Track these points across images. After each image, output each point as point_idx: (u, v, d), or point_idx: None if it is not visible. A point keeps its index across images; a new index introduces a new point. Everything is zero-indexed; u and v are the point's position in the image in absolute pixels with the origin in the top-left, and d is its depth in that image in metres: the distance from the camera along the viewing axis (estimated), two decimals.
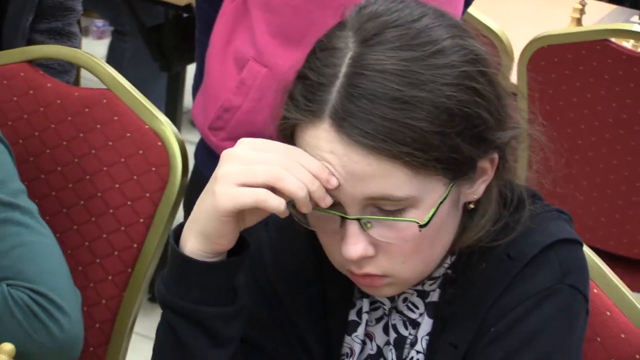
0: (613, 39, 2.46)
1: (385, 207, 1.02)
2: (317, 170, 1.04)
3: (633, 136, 2.53)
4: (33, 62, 1.86)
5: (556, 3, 3.37)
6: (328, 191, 1.03)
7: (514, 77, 2.50)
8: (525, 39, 2.55)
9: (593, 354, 1.31)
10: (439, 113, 1.05)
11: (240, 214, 1.06)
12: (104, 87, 1.78)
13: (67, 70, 2.18)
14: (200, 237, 1.13)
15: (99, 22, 4.00)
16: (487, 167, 1.08)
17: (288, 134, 1.09)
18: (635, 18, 3.05)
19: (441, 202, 1.04)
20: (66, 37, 2.37)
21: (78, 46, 2.39)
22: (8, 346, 1.17)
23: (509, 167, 1.14)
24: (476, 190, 1.09)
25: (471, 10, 2.43)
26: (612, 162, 2.51)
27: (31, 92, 1.83)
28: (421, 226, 1.01)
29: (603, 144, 2.58)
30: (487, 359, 1.14)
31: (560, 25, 2.86)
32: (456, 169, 1.06)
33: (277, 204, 1.03)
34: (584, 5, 2.89)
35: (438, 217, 1.04)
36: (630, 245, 2.58)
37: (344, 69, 1.06)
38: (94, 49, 3.41)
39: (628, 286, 1.33)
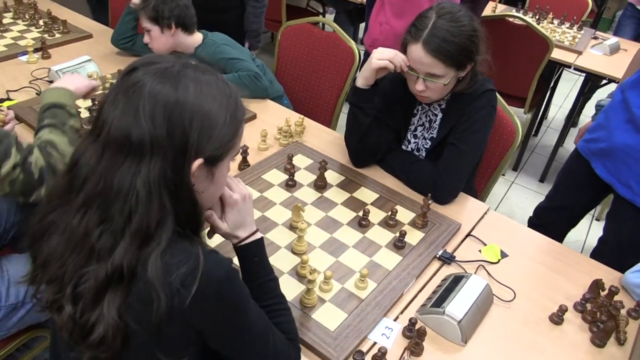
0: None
1: (434, 76, 1.47)
2: (404, 58, 1.50)
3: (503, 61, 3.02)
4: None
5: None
6: (413, 66, 1.48)
7: None
8: None
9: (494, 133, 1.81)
10: (459, 47, 1.44)
11: (377, 70, 1.52)
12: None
13: None
14: (363, 79, 1.57)
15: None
16: (469, 67, 1.52)
17: (404, 48, 1.51)
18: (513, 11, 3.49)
19: (452, 79, 1.49)
20: None
21: None
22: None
23: (476, 67, 1.53)
24: (463, 73, 1.52)
25: None
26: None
27: (305, 34, 2.43)
28: (444, 85, 1.50)
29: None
30: (462, 128, 1.56)
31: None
32: (459, 67, 1.49)
33: (392, 67, 1.51)
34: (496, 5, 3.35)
35: (449, 82, 1.50)
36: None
37: (429, 26, 1.44)
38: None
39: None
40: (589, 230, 3.05)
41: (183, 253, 0.80)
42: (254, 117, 1.95)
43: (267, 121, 1.94)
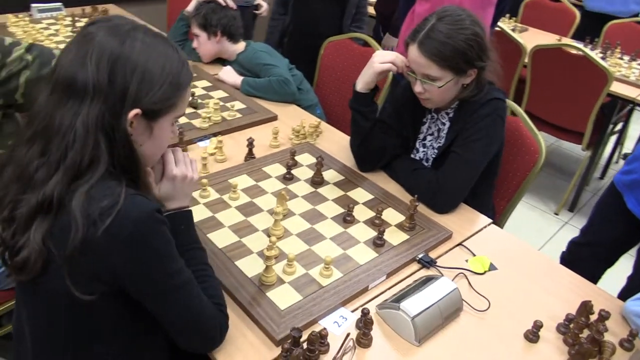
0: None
1: (430, 78, 1.47)
2: (404, 59, 1.50)
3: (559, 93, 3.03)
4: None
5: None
6: (412, 67, 1.48)
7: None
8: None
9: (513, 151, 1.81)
10: (455, 49, 1.43)
11: (378, 74, 1.53)
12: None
13: None
14: (363, 82, 1.57)
15: None
16: (472, 73, 1.49)
17: (406, 49, 1.50)
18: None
19: (448, 82, 1.46)
20: None
21: None
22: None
23: (481, 74, 1.50)
24: (466, 79, 1.51)
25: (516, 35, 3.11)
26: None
27: (345, 49, 2.49)
28: (439, 87, 1.47)
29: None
30: (465, 135, 1.52)
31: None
32: (457, 71, 1.47)
33: (394, 69, 1.52)
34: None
35: (446, 85, 1.47)
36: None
37: (427, 28, 1.45)
38: None
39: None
40: None
41: (107, 190, 0.87)
42: (275, 117, 2.00)
43: (287, 123, 1.98)
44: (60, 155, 0.86)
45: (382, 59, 1.52)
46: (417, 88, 1.51)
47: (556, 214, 3.31)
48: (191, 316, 0.96)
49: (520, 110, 1.85)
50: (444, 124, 1.64)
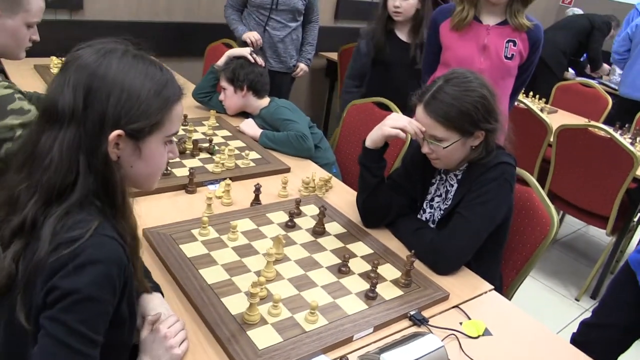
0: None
1: (436, 139, 1.48)
2: (417, 125, 1.51)
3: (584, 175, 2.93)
4: None
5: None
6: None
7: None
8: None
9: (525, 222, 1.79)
10: (460, 111, 1.45)
11: (387, 136, 1.55)
12: None
13: None
14: (371, 141, 1.60)
15: None
16: (479, 135, 1.50)
17: (414, 107, 1.55)
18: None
19: (453, 143, 1.48)
20: None
21: None
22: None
23: (490, 137, 1.51)
24: (474, 141, 1.51)
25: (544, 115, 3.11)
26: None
27: (367, 112, 2.52)
28: (444, 148, 1.49)
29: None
30: (470, 198, 1.51)
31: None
32: (463, 133, 1.48)
33: (403, 135, 1.54)
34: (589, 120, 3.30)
35: (452, 146, 1.49)
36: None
37: (434, 89, 1.48)
38: None
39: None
40: None
41: (82, 222, 0.86)
42: (287, 169, 2.05)
43: (299, 175, 2.01)
44: (39, 178, 0.88)
45: (394, 124, 1.54)
46: (424, 148, 1.54)
47: (577, 299, 3.18)
48: None
49: (533, 179, 1.83)
50: (452, 185, 1.64)
